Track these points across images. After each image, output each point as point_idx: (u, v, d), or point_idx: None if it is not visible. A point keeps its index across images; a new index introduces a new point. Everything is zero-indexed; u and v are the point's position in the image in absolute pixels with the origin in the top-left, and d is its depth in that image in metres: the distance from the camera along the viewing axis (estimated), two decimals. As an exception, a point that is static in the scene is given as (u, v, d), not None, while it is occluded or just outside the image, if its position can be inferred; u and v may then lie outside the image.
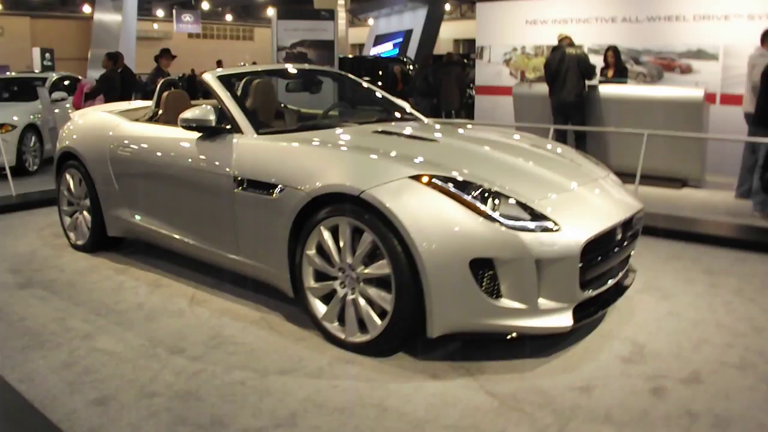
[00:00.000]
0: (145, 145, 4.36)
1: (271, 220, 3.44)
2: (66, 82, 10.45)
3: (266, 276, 3.62)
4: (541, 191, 3.18)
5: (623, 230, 3.38)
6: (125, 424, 2.60)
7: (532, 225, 2.91)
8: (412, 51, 23.58)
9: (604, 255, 3.21)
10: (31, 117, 8.89)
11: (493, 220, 2.88)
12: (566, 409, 2.68)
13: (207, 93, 4.46)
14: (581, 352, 3.21)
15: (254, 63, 21.43)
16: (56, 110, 9.19)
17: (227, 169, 3.65)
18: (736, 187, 7.01)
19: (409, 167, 3.12)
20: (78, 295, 4.09)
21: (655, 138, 6.60)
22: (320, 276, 3.30)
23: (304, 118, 4.96)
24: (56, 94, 9.53)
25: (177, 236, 4.16)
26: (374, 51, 26.40)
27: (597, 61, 8.77)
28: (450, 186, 2.97)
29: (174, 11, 27.48)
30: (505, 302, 2.90)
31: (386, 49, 26.06)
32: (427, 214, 2.90)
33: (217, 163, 3.74)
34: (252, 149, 3.66)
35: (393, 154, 3.34)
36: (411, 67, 16.71)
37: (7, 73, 15.61)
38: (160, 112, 4.71)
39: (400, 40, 25.30)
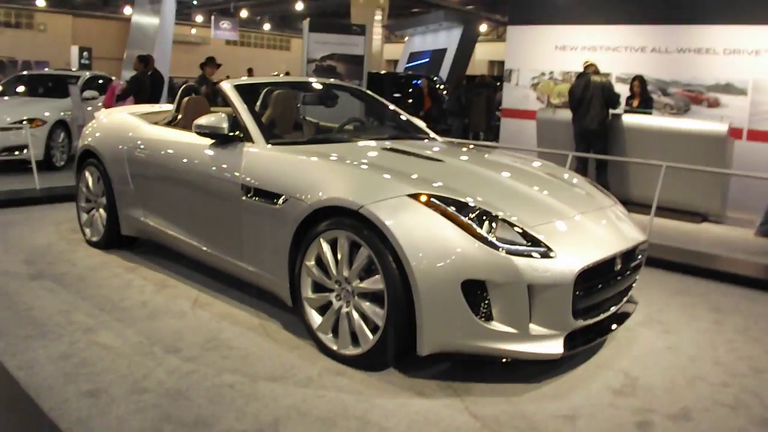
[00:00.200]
0: (160, 148, 4.47)
1: (275, 229, 3.50)
2: (99, 81, 10.72)
3: (267, 283, 3.68)
4: (542, 217, 3.19)
5: (624, 261, 3.35)
6: (113, 417, 2.66)
7: (526, 250, 2.92)
8: (444, 70, 23.58)
9: (601, 284, 3.20)
10: (62, 113, 9.13)
11: (488, 242, 2.89)
12: (548, 436, 2.67)
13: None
14: (573, 380, 3.20)
15: (287, 73, 21.63)
16: (88, 108, 9.43)
17: (236, 177, 3.73)
18: (758, 225, 6.91)
19: (408, 185, 3.15)
20: (86, 289, 4.19)
21: (676, 171, 6.53)
22: (318, 287, 3.34)
23: (321, 130, 5.01)
24: (87, 93, 9.79)
25: (185, 239, 4.25)
26: (406, 68, 26.47)
27: (624, 90, 8.74)
28: (448, 206, 3.00)
29: (212, 18, 27.92)
30: (496, 325, 2.90)
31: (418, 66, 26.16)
32: (422, 233, 2.92)
33: (227, 169, 3.82)
34: (261, 158, 3.73)
35: (395, 171, 3.37)
36: (440, 87, 16.71)
37: (45, 69, 16.05)
38: (180, 116, 4.83)
39: (427, 60, 25.30)
